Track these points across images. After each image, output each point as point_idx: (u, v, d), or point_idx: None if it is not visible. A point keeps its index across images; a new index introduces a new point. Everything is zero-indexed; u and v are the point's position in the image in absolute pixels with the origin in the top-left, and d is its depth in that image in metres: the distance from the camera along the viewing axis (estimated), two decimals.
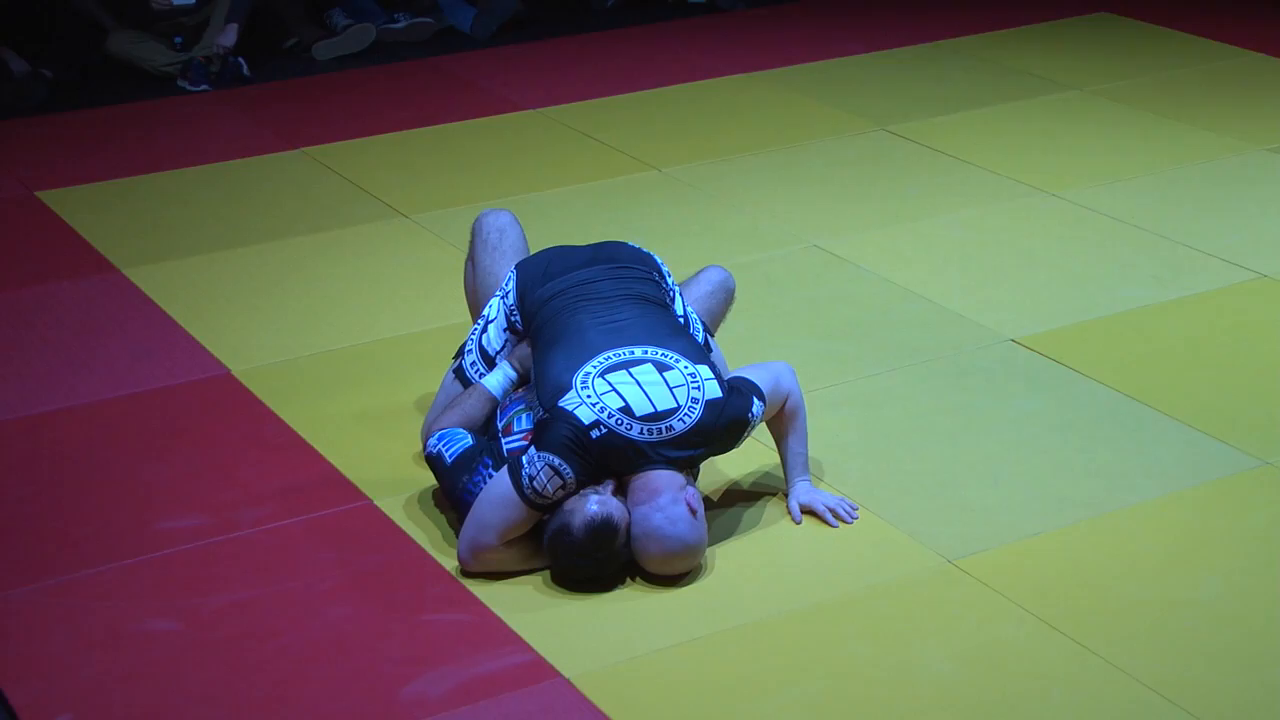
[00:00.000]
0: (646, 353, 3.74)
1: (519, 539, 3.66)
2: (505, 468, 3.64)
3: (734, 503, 3.95)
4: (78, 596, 3.64)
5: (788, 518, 3.87)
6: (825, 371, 4.54)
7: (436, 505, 3.94)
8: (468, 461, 3.76)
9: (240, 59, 7.07)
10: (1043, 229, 5.50)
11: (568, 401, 3.64)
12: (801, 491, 3.90)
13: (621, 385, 3.65)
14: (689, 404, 3.66)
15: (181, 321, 4.88)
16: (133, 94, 6.91)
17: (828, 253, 5.30)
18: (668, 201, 5.74)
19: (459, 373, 4.02)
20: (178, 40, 7.06)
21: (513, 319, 3.97)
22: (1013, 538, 3.80)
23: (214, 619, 3.56)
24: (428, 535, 3.83)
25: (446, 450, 3.80)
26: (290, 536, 3.85)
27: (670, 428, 3.64)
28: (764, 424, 3.85)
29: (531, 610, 3.57)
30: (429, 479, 4.03)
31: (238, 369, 4.60)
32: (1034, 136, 6.30)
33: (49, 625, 3.55)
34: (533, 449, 3.61)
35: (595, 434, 3.60)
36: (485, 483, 3.70)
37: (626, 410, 3.62)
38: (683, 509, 3.60)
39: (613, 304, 3.87)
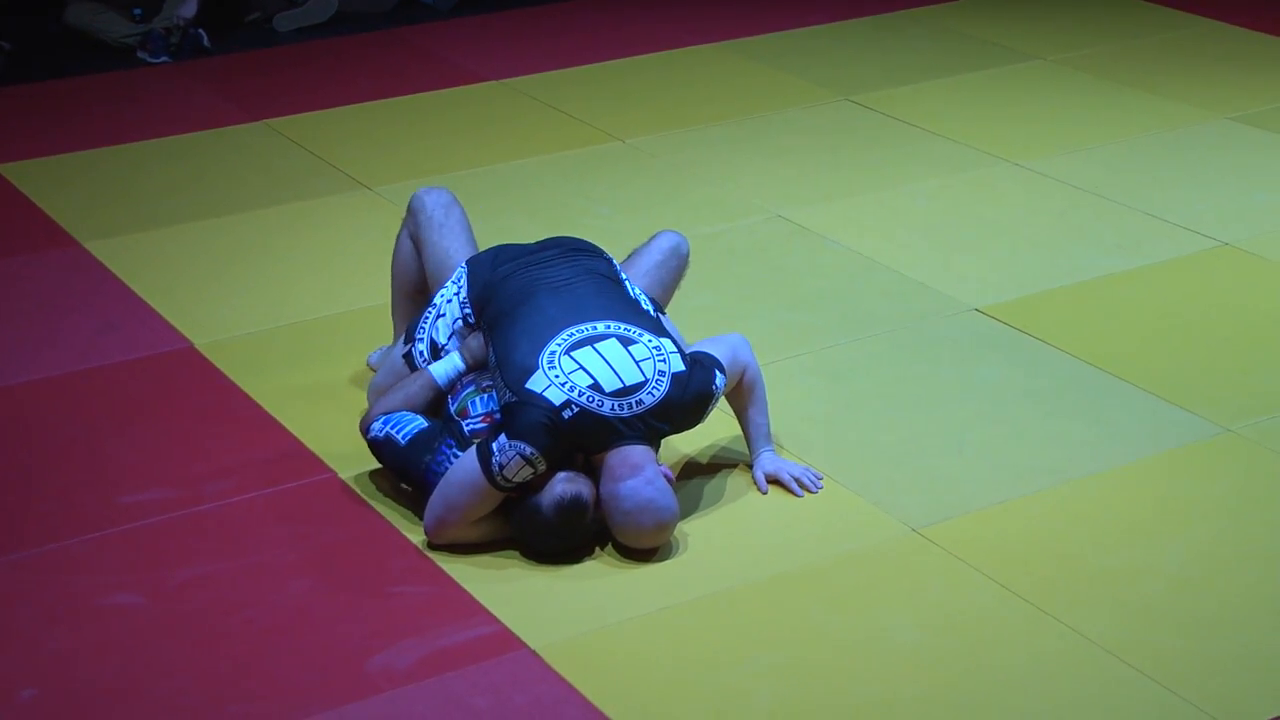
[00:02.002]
0: (609, 327, 3.72)
1: (486, 515, 3.65)
2: (474, 451, 3.61)
3: (698, 474, 3.96)
4: (40, 571, 3.63)
5: (753, 488, 3.88)
6: (790, 341, 4.55)
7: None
8: (427, 441, 3.74)
9: (201, 30, 7.03)
10: (1006, 198, 5.51)
11: (535, 383, 3.61)
12: (766, 461, 3.90)
13: (588, 362, 3.63)
14: (656, 377, 3.65)
15: (144, 295, 4.86)
16: (92, 66, 6.86)
17: (792, 223, 5.30)
18: (631, 172, 5.73)
19: (408, 358, 3.98)
20: (137, 12, 7.01)
21: (465, 313, 3.91)
22: (977, 506, 3.82)
23: (178, 593, 3.55)
24: (392, 508, 3.83)
25: (397, 431, 3.77)
26: (254, 510, 3.84)
27: (640, 401, 3.63)
28: (724, 397, 3.85)
29: (497, 582, 3.57)
30: None
31: (201, 342, 4.58)
32: (997, 106, 6.31)
33: (11, 600, 3.53)
34: (503, 437, 3.57)
35: (567, 414, 3.58)
36: (450, 463, 3.69)
37: (596, 387, 3.60)
38: (664, 481, 3.62)
39: (569, 283, 3.84)
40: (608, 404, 3.60)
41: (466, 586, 3.55)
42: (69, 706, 3.24)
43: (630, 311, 3.80)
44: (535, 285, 3.83)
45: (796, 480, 3.87)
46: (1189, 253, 5.08)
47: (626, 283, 3.95)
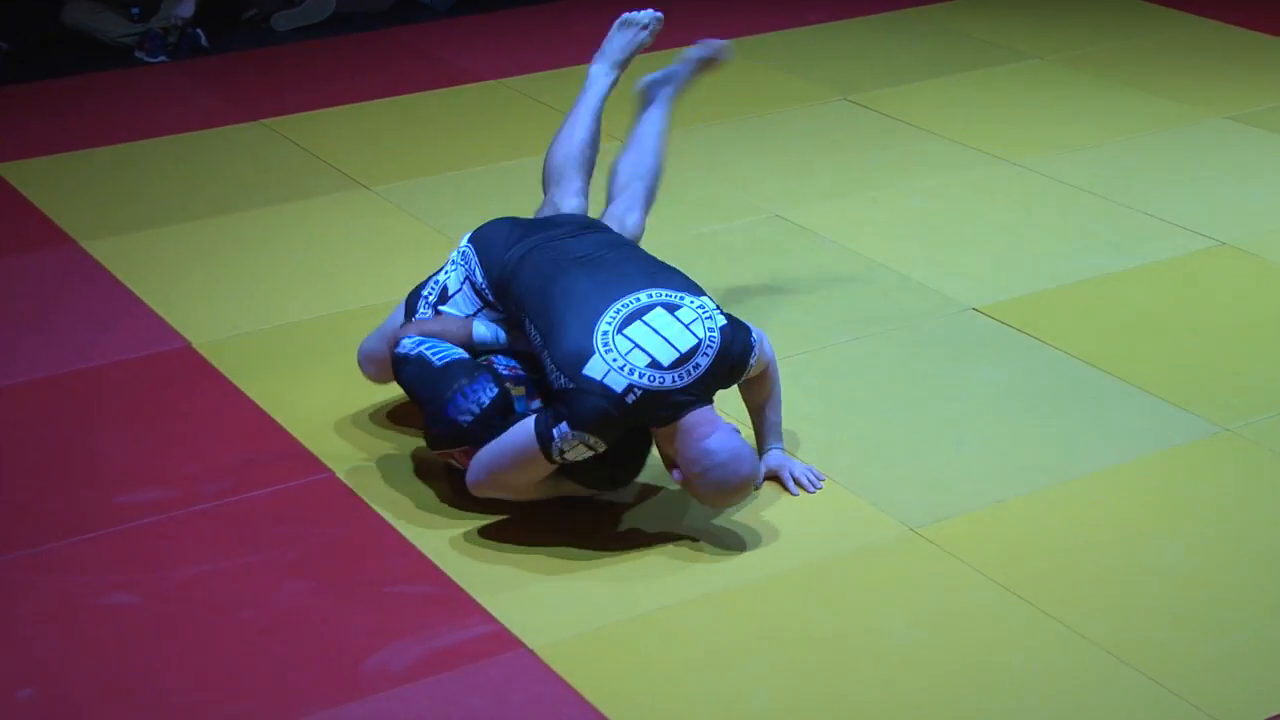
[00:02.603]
0: (652, 296, 3.69)
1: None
2: (530, 425, 3.58)
3: None
4: (37, 571, 3.62)
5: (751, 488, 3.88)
6: (787, 341, 4.54)
7: (412, 472, 3.93)
8: (467, 370, 3.72)
9: (198, 30, 7.03)
10: (1004, 198, 5.51)
11: (594, 369, 3.57)
12: (773, 458, 3.90)
13: (642, 338, 3.61)
14: (708, 336, 3.64)
15: (140, 294, 4.85)
16: (89, 65, 6.86)
17: (790, 222, 5.30)
18: None
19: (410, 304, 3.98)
20: (135, 11, 7.01)
21: (484, 295, 3.90)
22: (975, 505, 3.82)
23: (175, 592, 3.55)
24: (390, 508, 3.82)
25: (432, 353, 3.77)
26: (251, 509, 3.84)
27: (697, 365, 3.61)
28: (739, 388, 3.86)
29: (495, 582, 3.57)
30: (391, 451, 4.03)
31: (197, 341, 4.58)
32: (995, 105, 6.31)
33: (8, 600, 3.53)
34: (565, 425, 3.54)
35: (630, 399, 3.57)
36: (483, 396, 3.68)
37: (654, 364, 3.58)
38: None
39: (598, 257, 3.82)
40: (668, 378, 3.59)
41: (464, 586, 3.55)
42: (65, 706, 3.24)
43: (664, 274, 3.79)
44: (563, 261, 3.79)
45: (795, 479, 3.87)
46: (1186, 252, 5.08)
47: (642, 247, 3.98)
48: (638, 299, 3.68)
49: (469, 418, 3.70)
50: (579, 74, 6.69)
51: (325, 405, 4.24)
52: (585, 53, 7.00)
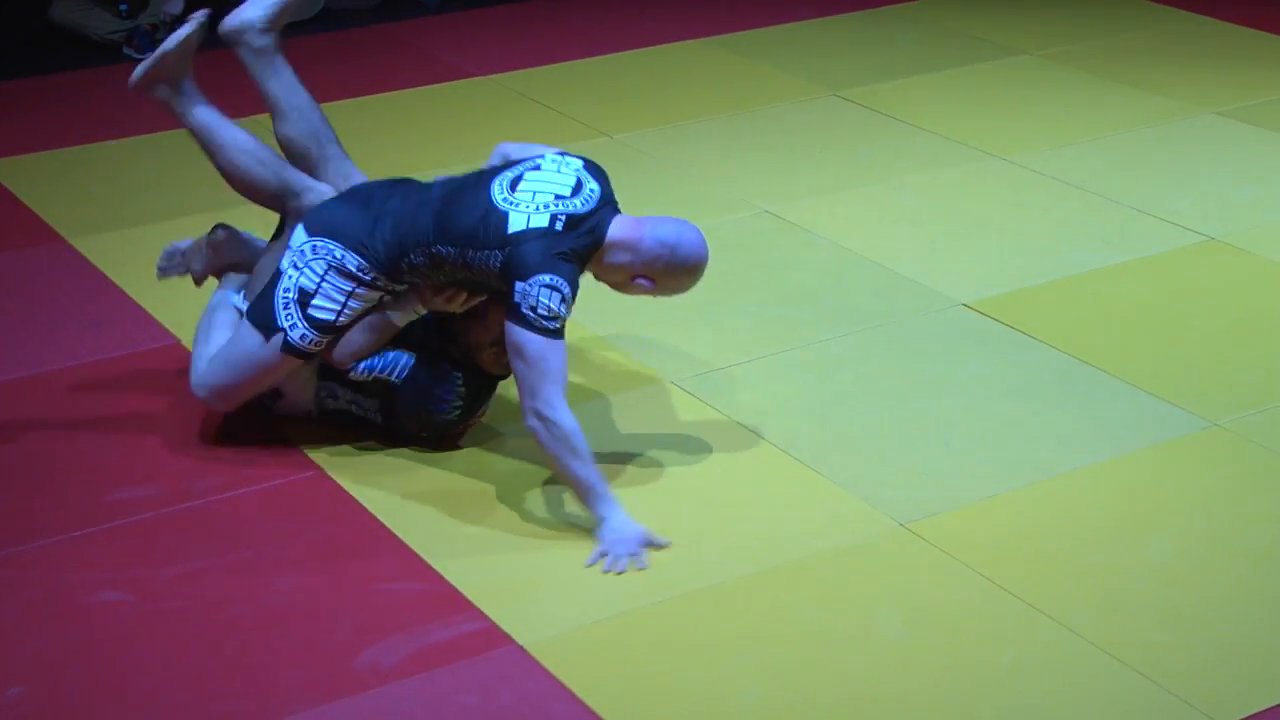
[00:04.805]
0: (513, 170, 3.82)
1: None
2: (513, 317, 3.65)
3: (684, 470, 3.96)
4: (28, 568, 3.62)
5: (740, 484, 3.88)
6: (777, 337, 4.55)
7: (402, 469, 3.93)
8: (429, 371, 3.90)
9: None
10: (993, 193, 5.51)
11: (516, 224, 3.69)
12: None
13: (535, 187, 3.76)
14: (580, 166, 3.82)
15: (130, 292, 4.85)
16: (78, 62, 6.85)
17: (779, 218, 5.30)
18: (618, 168, 5.67)
19: (290, 350, 3.86)
20: (123, 8, 6.99)
21: (362, 276, 3.82)
22: (965, 501, 3.82)
23: (166, 589, 3.55)
24: (380, 505, 3.82)
25: (386, 373, 3.92)
26: (242, 506, 3.83)
27: (592, 190, 3.77)
28: None
29: (485, 578, 3.57)
30: (381, 448, 4.02)
31: (187, 339, 4.57)
32: (984, 101, 6.32)
33: None
34: (519, 283, 3.63)
35: (559, 225, 3.68)
36: (458, 385, 3.87)
37: (559, 198, 3.72)
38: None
39: (442, 185, 3.90)
40: (576, 203, 3.72)
41: (454, 583, 3.55)
42: (56, 704, 3.23)
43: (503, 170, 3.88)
44: (426, 199, 3.84)
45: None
46: (1176, 247, 5.09)
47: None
48: (506, 175, 3.80)
49: (458, 411, 3.92)
50: (570, 70, 6.73)
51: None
52: (575, 48, 6.99)
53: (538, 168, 3.80)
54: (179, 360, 4.47)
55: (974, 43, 6.95)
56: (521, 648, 3.36)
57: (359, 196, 3.93)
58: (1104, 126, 6.03)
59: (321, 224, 3.88)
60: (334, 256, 3.84)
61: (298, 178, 4.08)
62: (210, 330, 4.06)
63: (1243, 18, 7.20)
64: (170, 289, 4.87)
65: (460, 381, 3.91)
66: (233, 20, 4.25)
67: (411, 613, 3.47)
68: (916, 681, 3.27)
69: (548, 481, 3.89)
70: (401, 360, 3.95)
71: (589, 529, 3.68)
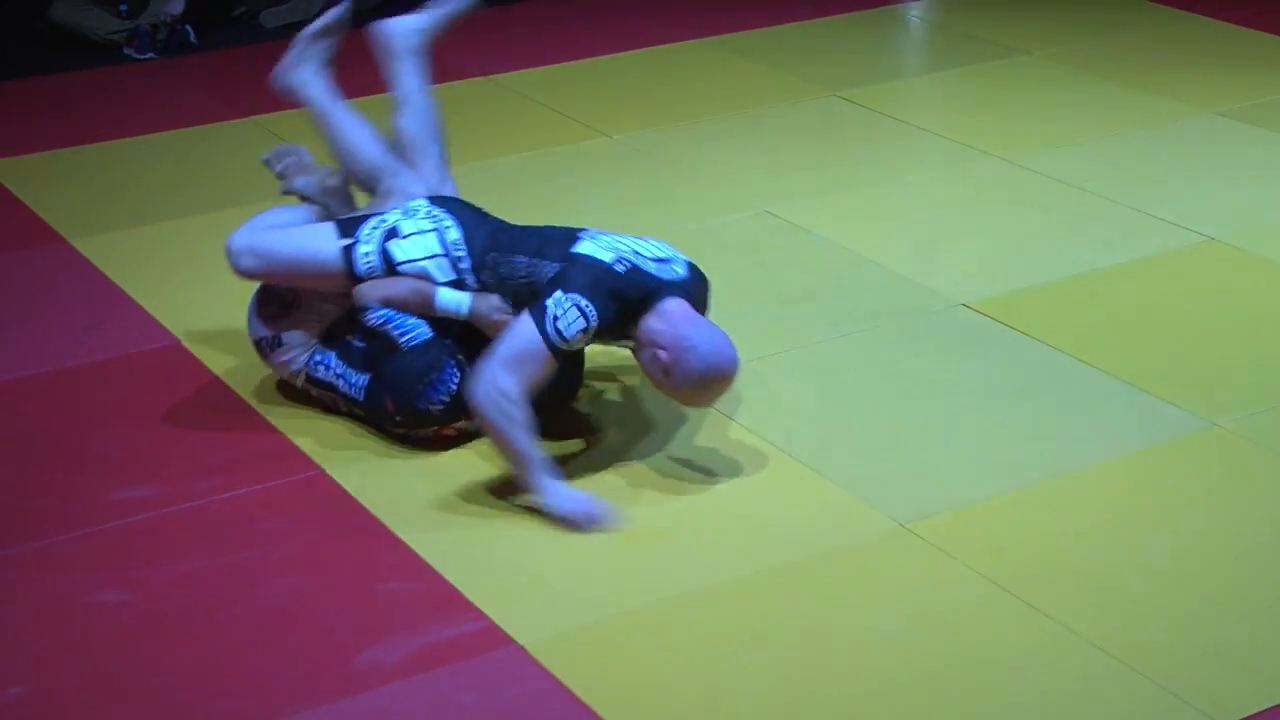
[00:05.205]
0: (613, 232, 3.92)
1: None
2: (527, 316, 3.67)
3: (682, 470, 3.96)
4: (27, 568, 3.62)
5: (739, 484, 3.88)
6: (777, 337, 4.55)
7: (402, 468, 3.93)
8: (433, 356, 3.90)
9: (187, 26, 7.02)
10: (993, 193, 5.51)
11: (582, 247, 3.76)
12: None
13: (627, 239, 3.82)
14: (680, 257, 3.86)
15: (130, 292, 4.85)
16: (78, 62, 6.85)
17: (779, 218, 5.30)
18: (618, 168, 5.73)
19: (348, 256, 3.94)
20: (123, 8, 6.99)
21: (458, 264, 3.92)
22: (964, 501, 3.82)
23: (165, 590, 3.55)
24: (380, 504, 3.82)
25: (397, 331, 3.93)
26: (242, 506, 3.84)
27: (676, 274, 3.80)
28: None
29: (486, 578, 3.57)
30: (381, 447, 4.03)
31: (188, 339, 4.58)
32: (984, 101, 6.32)
33: None
34: (558, 291, 3.66)
35: (620, 268, 3.71)
36: (451, 384, 3.87)
37: (637, 253, 3.77)
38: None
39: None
40: (651, 266, 3.76)
41: (454, 582, 3.55)
42: (56, 704, 3.23)
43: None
44: (530, 229, 3.96)
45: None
46: (1176, 248, 5.09)
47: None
48: (602, 230, 3.92)
49: (441, 407, 3.91)
50: (568, 70, 6.73)
51: (315, 402, 4.23)
52: (575, 48, 6.98)
53: (641, 238, 3.89)
54: (179, 360, 4.47)
55: (974, 43, 6.95)
56: (521, 648, 3.36)
57: (471, 205, 4.08)
58: (1104, 127, 6.04)
59: (444, 202, 4.03)
60: (442, 225, 3.95)
61: (400, 162, 4.22)
62: (277, 214, 4.19)
63: (1243, 18, 7.20)
64: (170, 289, 4.88)
65: (458, 380, 3.90)
66: (397, 22, 4.44)
67: (411, 613, 3.47)
68: (915, 680, 3.27)
69: None
70: (417, 330, 3.94)
71: (588, 530, 3.68)
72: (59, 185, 5.64)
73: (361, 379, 4.01)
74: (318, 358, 4.07)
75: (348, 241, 3.95)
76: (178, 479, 3.93)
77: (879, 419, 4.17)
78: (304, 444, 4.06)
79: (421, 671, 3.29)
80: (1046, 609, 3.45)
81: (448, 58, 6.84)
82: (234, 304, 4.77)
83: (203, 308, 4.75)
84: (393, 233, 3.94)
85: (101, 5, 7.00)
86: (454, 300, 3.89)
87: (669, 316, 3.71)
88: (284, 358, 4.11)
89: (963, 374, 4.38)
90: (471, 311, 3.88)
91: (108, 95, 6.53)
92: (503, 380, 3.66)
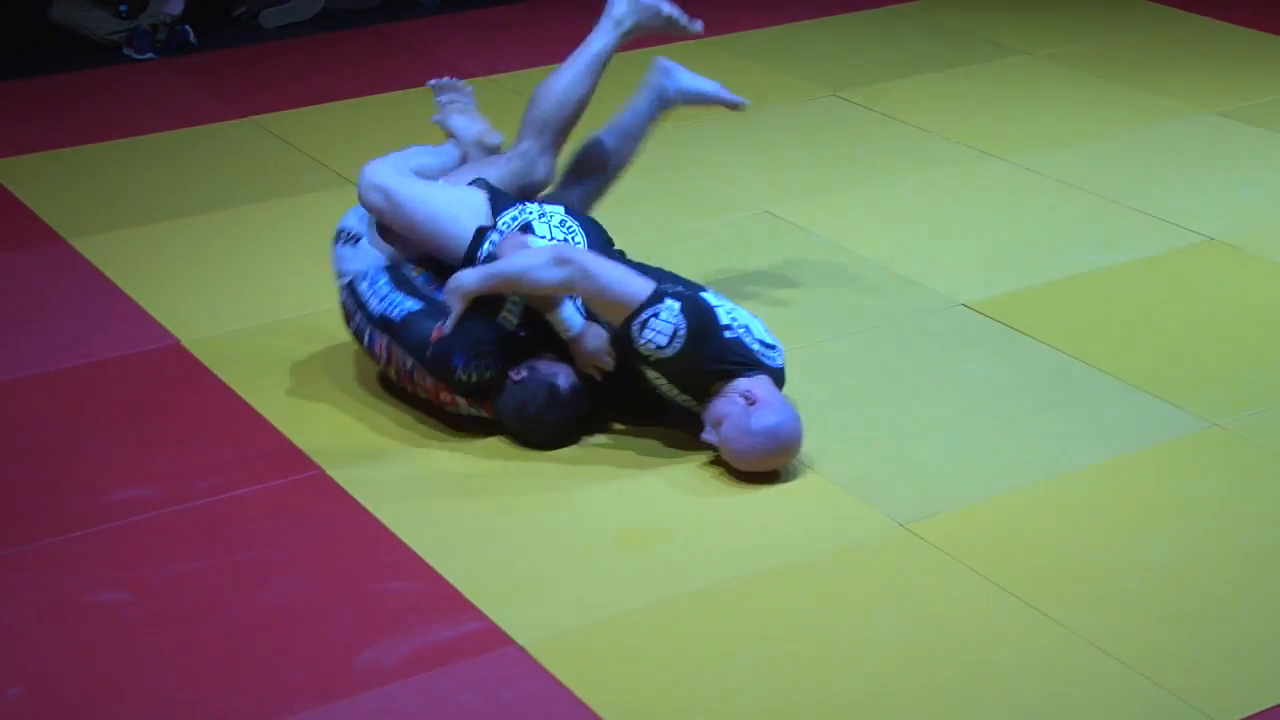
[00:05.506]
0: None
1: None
2: (639, 279, 3.78)
3: (684, 470, 3.96)
4: (26, 569, 3.62)
5: (740, 484, 3.88)
6: (776, 337, 4.54)
7: (402, 469, 3.93)
8: (496, 339, 3.92)
9: (187, 27, 7.01)
10: (993, 193, 5.51)
11: (707, 294, 3.83)
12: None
13: (740, 310, 3.91)
14: (778, 344, 3.93)
15: (130, 292, 4.85)
16: (77, 62, 6.85)
17: (778, 218, 5.30)
18: None
19: (478, 233, 4.04)
20: (123, 8, 6.99)
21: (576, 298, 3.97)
22: (964, 501, 3.82)
23: (165, 590, 3.55)
24: (379, 504, 3.82)
25: (392, 310, 4.03)
26: (241, 506, 3.83)
27: (775, 360, 3.87)
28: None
29: (485, 578, 3.57)
30: (381, 448, 4.03)
31: (187, 339, 4.57)
32: (983, 101, 6.32)
33: None
34: (677, 306, 3.73)
35: (728, 334, 3.78)
36: (485, 373, 3.90)
37: (749, 330, 3.85)
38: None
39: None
40: (756, 345, 3.82)
41: (454, 582, 3.55)
42: (55, 705, 3.23)
43: None
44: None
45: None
46: (1176, 248, 5.09)
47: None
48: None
49: (464, 377, 3.92)
50: None
51: (315, 403, 4.24)
52: (574, 49, 6.98)
53: (756, 318, 3.98)
54: (179, 360, 4.47)
55: (974, 42, 6.95)
56: (521, 648, 3.36)
57: (603, 229, 4.18)
58: (1104, 126, 6.03)
59: (579, 217, 4.12)
60: (572, 238, 4.03)
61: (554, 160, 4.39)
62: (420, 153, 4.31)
63: (1243, 18, 7.20)
64: (169, 289, 4.88)
65: (495, 368, 3.90)
66: (679, 71, 4.65)
67: (411, 613, 3.47)
68: (915, 681, 3.27)
69: (549, 482, 3.89)
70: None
71: (589, 529, 3.68)
72: (59, 185, 5.63)
73: (408, 305, 4.03)
74: (372, 271, 4.14)
75: (488, 222, 4.06)
76: (177, 479, 3.93)
77: (878, 418, 4.17)
78: (304, 444, 4.06)
79: (421, 672, 3.29)
80: (1047, 609, 3.45)
81: (449, 58, 6.85)
82: (233, 304, 4.78)
83: (202, 308, 4.75)
84: (526, 228, 4.03)
85: (101, 5, 7.00)
86: (570, 317, 3.91)
87: (758, 392, 3.78)
88: (358, 248, 4.21)
89: (962, 374, 4.38)
90: (579, 336, 3.91)
91: (107, 95, 6.52)
92: (591, 263, 3.77)
